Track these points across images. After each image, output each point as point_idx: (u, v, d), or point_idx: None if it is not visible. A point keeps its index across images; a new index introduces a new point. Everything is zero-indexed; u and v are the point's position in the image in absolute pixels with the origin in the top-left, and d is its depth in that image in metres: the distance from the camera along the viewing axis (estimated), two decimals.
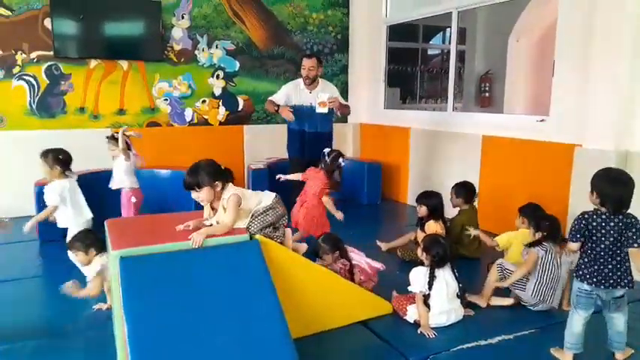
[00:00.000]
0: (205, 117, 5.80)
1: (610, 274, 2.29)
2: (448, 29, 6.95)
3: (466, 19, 7.20)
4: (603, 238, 2.27)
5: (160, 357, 1.93)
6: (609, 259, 2.28)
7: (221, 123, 5.88)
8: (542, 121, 4.15)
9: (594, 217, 2.29)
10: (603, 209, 2.28)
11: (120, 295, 2.08)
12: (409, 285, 2.78)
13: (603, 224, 2.27)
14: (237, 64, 5.87)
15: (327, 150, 3.93)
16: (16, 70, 4.95)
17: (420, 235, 3.44)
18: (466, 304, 2.87)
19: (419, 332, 2.65)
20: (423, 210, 3.65)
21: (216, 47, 5.74)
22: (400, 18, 6.06)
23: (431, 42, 9.64)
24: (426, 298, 2.71)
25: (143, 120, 5.51)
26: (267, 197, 2.62)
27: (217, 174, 2.49)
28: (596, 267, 2.30)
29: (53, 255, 3.72)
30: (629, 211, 2.30)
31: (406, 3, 5.95)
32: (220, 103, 5.85)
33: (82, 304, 2.80)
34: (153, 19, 5.38)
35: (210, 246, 2.29)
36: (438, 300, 2.70)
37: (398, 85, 8.27)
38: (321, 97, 4.34)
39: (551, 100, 4.05)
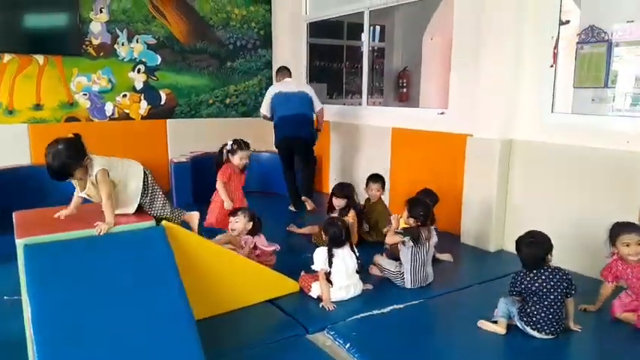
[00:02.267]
0: (126, 111, 5.79)
1: (542, 322, 2.49)
2: (372, 27, 7.25)
3: (384, 18, 7.57)
4: (532, 294, 2.50)
5: (65, 341, 1.99)
6: (544, 309, 2.48)
7: (143, 117, 5.89)
8: (442, 113, 4.53)
9: (523, 278, 2.53)
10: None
11: (25, 282, 2.16)
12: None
13: (532, 282, 2.50)
14: (159, 58, 5.89)
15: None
16: None
17: None
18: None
19: (320, 306, 2.89)
20: (339, 201, 3.89)
21: (137, 41, 5.74)
22: (318, 16, 6.30)
23: (362, 39, 9.92)
24: (327, 275, 2.97)
25: (61, 115, 5.43)
26: (135, 174, 2.62)
27: (79, 152, 2.41)
28: (532, 312, 2.51)
29: None
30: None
31: (324, 1, 6.18)
32: (142, 97, 5.85)
33: None
34: (70, 13, 5.31)
35: (115, 232, 2.37)
36: (337, 276, 2.96)
37: (325, 81, 8.50)
38: None
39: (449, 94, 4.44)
